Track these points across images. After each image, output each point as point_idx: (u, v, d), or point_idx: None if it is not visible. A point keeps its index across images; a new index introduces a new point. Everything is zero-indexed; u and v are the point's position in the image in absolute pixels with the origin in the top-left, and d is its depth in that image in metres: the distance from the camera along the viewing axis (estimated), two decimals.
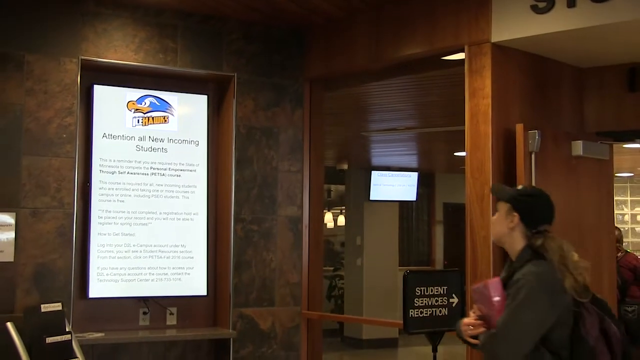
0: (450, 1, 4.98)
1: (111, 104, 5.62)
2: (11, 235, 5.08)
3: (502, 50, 4.78)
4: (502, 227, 3.18)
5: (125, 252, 5.59)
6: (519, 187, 3.33)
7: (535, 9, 4.51)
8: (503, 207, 3.19)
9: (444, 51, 5.13)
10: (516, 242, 3.14)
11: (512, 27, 4.67)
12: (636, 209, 13.76)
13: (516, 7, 4.62)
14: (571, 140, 4.94)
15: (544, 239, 3.07)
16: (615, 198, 5.28)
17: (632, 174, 13.30)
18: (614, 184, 5.23)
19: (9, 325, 4.73)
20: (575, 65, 5.32)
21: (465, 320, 3.17)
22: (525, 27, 4.61)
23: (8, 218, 5.08)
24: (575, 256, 3.07)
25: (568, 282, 2.98)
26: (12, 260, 5.06)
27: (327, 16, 5.73)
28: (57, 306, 4.98)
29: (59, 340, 4.81)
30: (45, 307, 4.93)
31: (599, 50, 4.96)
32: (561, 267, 3.01)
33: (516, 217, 3.11)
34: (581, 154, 4.91)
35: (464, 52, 4.89)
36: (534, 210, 3.15)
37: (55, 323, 4.90)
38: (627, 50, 4.96)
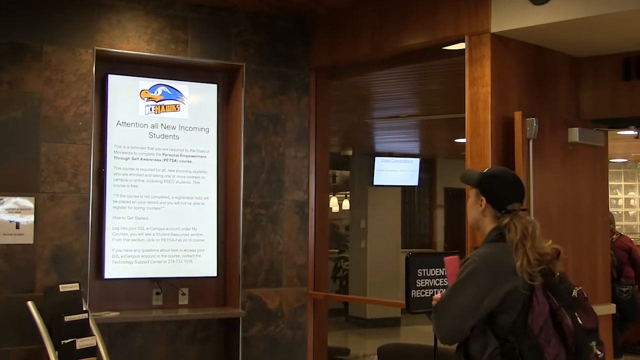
0: None
1: (125, 92, 5.62)
2: (31, 218, 5.11)
3: (501, 41, 4.77)
4: (474, 213, 3.08)
5: (139, 234, 5.60)
6: (485, 170, 3.21)
7: (533, 0, 4.50)
8: (472, 192, 3.09)
9: (444, 41, 5.11)
10: (487, 225, 3.03)
11: (510, 18, 4.66)
12: (630, 193, 13.77)
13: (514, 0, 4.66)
14: (568, 127, 4.94)
15: (511, 218, 2.94)
16: (609, 183, 5.27)
17: (626, 160, 13.29)
18: (609, 170, 5.22)
19: (30, 304, 4.77)
20: (572, 55, 5.31)
21: (436, 295, 3.07)
22: (523, 18, 4.60)
23: (28, 202, 5.10)
24: (538, 238, 2.91)
25: (520, 263, 2.83)
26: (31, 242, 5.09)
27: (331, 7, 5.73)
28: (74, 286, 5.01)
29: (77, 318, 4.83)
30: (63, 287, 4.96)
31: (594, 40, 4.95)
32: (518, 247, 2.87)
33: (483, 200, 3.01)
34: (577, 140, 4.90)
35: (464, 42, 4.88)
36: (499, 190, 3.02)
37: (72, 302, 4.93)
38: (621, 40, 4.95)
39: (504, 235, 2.92)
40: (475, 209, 3.05)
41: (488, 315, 2.84)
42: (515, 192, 3.02)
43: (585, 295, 2.94)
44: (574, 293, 2.90)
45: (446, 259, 3.10)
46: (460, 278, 2.88)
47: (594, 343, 2.82)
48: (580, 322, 2.82)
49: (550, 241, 2.97)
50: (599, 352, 2.83)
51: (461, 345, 2.94)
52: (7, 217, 5.06)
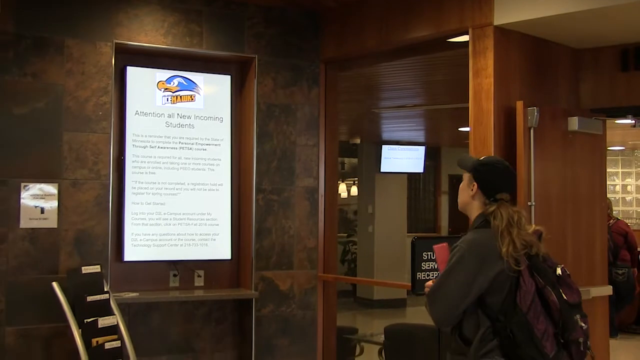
0: None
1: (143, 83, 5.62)
2: (54, 204, 5.13)
3: (503, 33, 4.75)
4: (464, 196, 3.11)
5: (157, 219, 5.61)
6: (481, 157, 3.23)
7: None
8: (466, 177, 3.12)
9: (449, 34, 5.08)
10: (474, 210, 3.07)
11: (513, 11, 4.64)
12: (626, 180, 13.74)
13: None
14: (567, 116, 4.91)
15: (498, 206, 2.99)
16: (607, 170, 5.26)
17: (623, 148, 13.25)
18: (607, 157, 5.22)
19: (55, 284, 4.81)
20: (572, 47, 5.28)
21: (428, 283, 3.12)
22: (525, 11, 4.58)
23: (52, 188, 5.12)
24: (523, 226, 2.96)
25: (506, 249, 2.88)
26: (55, 226, 5.11)
27: (340, 1, 5.71)
28: (96, 268, 5.02)
29: (98, 299, 4.86)
30: (85, 269, 4.98)
31: (593, 32, 4.92)
32: (503, 235, 2.91)
33: (475, 185, 3.04)
34: (577, 129, 4.87)
35: (468, 34, 4.85)
36: (491, 179, 3.06)
37: (94, 283, 4.95)
38: (619, 32, 4.93)
39: (489, 222, 2.97)
40: (466, 192, 3.09)
41: (478, 297, 2.89)
42: (506, 182, 3.07)
43: (568, 273, 2.99)
44: (558, 271, 2.96)
45: (435, 246, 3.16)
46: (450, 264, 2.92)
47: (578, 316, 2.90)
48: (565, 297, 2.88)
49: (534, 225, 3.05)
50: (583, 325, 2.91)
51: (455, 327, 2.99)
52: (33, 203, 5.07)
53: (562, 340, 2.87)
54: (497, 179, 3.06)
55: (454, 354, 3.01)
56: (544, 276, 2.91)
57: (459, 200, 3.17)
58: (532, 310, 2.83)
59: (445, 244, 3.11)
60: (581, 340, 2.91)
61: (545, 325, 2.83)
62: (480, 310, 2.91)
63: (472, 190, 3.06)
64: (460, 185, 3.15)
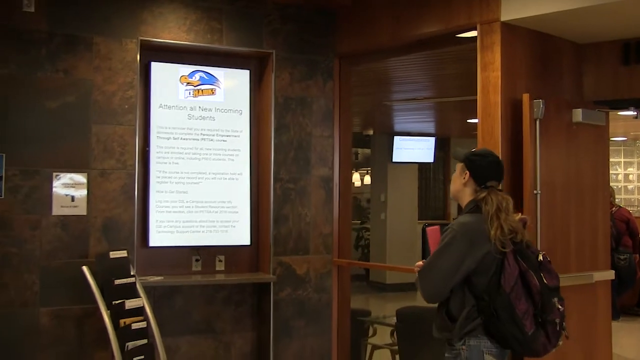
0: None
1: (166, 78, 5.62)
2: (84, 192, 5.15)
3: (510, 29, 4.74)
4: (457, 184, 3.24)
5: (180, 207, 5.61)
6: (473, 149, 3.38)
7: None
8: (459, 166, 3.25)
9: (458, 29, 5.06)
10: (466, 196, 3.19)
11: (519, 7, 4.62)
12: (628, 169, 13.70)
13: None
14: (572, 108, 4.89)
15: (488, 192, 3.10)
16: (610, 159, 5.25)
17: (625, 138, 13.20)
18: (609, 147, 5.20)
19: (84, 268, 4.85)
20: (575, 41, 5.26)
21: (418, 263, 3.22)
22: (531, 8, 4.56)
23: (81, 178, 5.15)
24: (510, 212, 3.08)
25: (494, 232, 2.98)
26: (85, 214, 5.15)
27: None
28: (123, 253, 5.05)
29: (125, 282, 4.89)
30: (113, 254, 5.00)
31: (596, 27, 4.91)
32: (492, 219, 3.01)
33: (467, 174, 3.17)
34: (581, 120, 4.85)
35: (476, 30, 4.83)
36: (482, 168, 3.18)
37: (121, 267, 4.97)
38: (620, 27, 4.91)
39: (479, 207, 3.08)
40: (459, 180, 3.22)
41: (466, 277, 2.99)
42: (495, 171, 3.20)
43: (549, 259, 3.11)
44: (540, 257, 3.08)
45: (428, 229, 3.28)
46: (442, 244, 3.03)
47: (556, 299, 3.02)
48: (545, 282, 3.00)
49: (520, 214, 3.16)
50: (560, 307, 3.03)
51: (442, 305, 3.09)
52: (64, 191, 5.11)
53: (540, 320, 2.98)
54: (487, 168, 3.19)
55: (440, 329, 3.10)
56: (527, 261, 3.02)
57: (451, 188, 3.31)
58: (515, 292, 2.93)
59: (437, 227, 3.25)
60: (557, 320, 3.03)
61: (526, 305, 2.94)
62: (467, 289, 3.01)
63: (464, 178, 3.19)
64: (453, 175, 3.28)
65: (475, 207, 3.12)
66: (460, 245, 3.01)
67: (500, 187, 3.25)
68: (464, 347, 3.00)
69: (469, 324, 2.98)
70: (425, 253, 4.64)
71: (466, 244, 3.01)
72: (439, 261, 3.03)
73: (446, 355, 3.10)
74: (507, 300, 2.92)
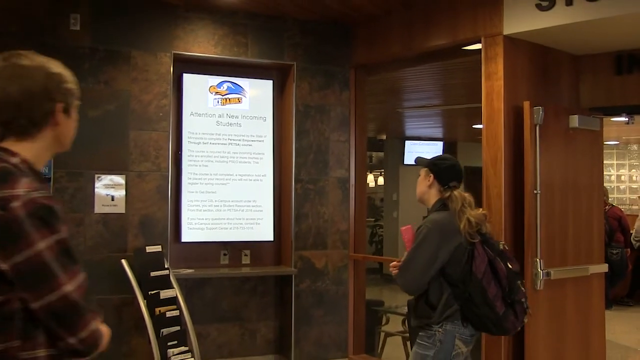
0: (469, 1, 4.92)
1: (196, 88, 5.67)
2: (123, 192, 5.22)
3: (512, 41, 4.74)
4: (422, 187, 3.31)
5: (209, 206, 5.65)
6: (434, 155, 3.45)
7: (539, 7, 4.48)
8: (423, 171, 3.32)
9: (464, 42, 5.07)
10: (432, 197, 3.26)
11: (520, 22, 4.63)
12: (620, 170, 13.64)
13: (524, 6, 4.58)
14: (569, 114, 4.89)
15: (452, 191, 3.19)
16: (604, 162, 5.22)
17: (617, 142, 13.13)
18: (603, 150, 5.18)
19: (124, 261, 4.93)
20: (572, 53, 5.24)
21: (393, 263, 3.31)
22: (531, 22, 4.57)
23: (120, 179, 5.21)
24: (473, 206, 3.17)
25: (463, 226, 3.07)
26: (124, 212, 5.21)
27: (368, 15, 5.70)
28: (157, 248, 5.13)
29: (160, 274, 4.95)
30: (149, 249, 5.09)
31: (591, 40, 4.89)
32: (460, 214, 3.10)
33: (432, 177, 3.25)
34: (577, 126, 4.85)
35: (480, 43, 4.84)
36: (444, 170, 3.26)
37: (156, 261, 5.04)
38: (613, 40, 4.89)
39: (446, 205, 3.17)
40: (424, 183, 3.30)
41: (441, 268, 3.07)
42: (455, 173, 3.29)
43: (508, 248, 3.22)
44: (501, 247, 3.17)
45: (402, 229, 3.33)
46: (418, 241, 3.11)
47: (519, 282, 3.10)
48: (510, 267, 3.09)
49: (481, 209, 3.22)
50: (523, 289, 3.11)
51: (422, 295, 3.14)
52: (104, 192, 5.17)
53: (509, 301, 3.06)
54: (449, 171, 3.28)
55: (420, 317, 3.14)
56: (493, 249, 3.12)
57: (417, 191, 3.36)
58: (486, 277, 3.03)
59: (409, 226, 3.31)
60: (523, 300, 3.11)
61: (495, 290, 3.03)
62: (442, 279, 3.08)
63: (429, 181, 3.27)
64: (418, 179, 3.35)
65: (442, 205, 3.21)
66: (435, 239, 3.09)
67: (460, 186, 3.33)
68: (440, 329, 3.07)
69: (447, 310, 3.07)
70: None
71: (439, 239, 3.09)
72: (417, 256, 3.10)
73: (420, 334, 3.16)
74: (479, 286, 3.01)
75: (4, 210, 1.52)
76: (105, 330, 1.70)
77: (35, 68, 1.71)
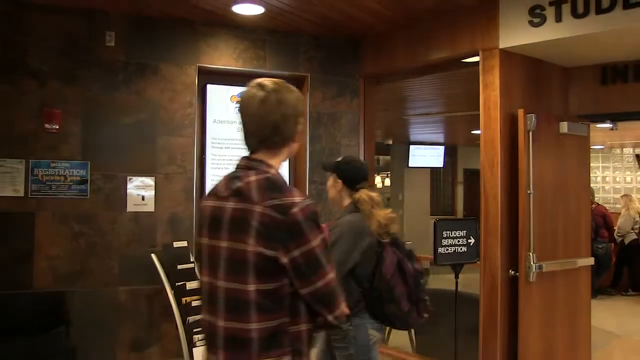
0: (468, 18, 4.93)
1: (219, 98, 5.67)
2: (152, 193, 5.25)
3: (507, 54, 4.75)
4: (333, 192, 3.21)
5: None
6: (339, 159, 3.30)
7: (531, 23, 4.49)
8: (331, 176, 3.21)
9: (463, 55, 5.07)
10: (344, 200, 3.15)
11: (514, 37, 4.63)
12: (605, 172, 13.70)
13: (517, 22, 4.59)
14: (559, 121, 4.89)
15: (360, 192, 3.08)
16: (590, 164, 5.21)
17: (603, 147, 13.17)
18: (590, 154, 5.18)
19: (153, 256, 4.94)
20: (562, 65, 5.24)
21: None
22: (524, 37, 4.57)
23: (150, 181, 5.25)
24: (381, 205, 3.08)
25: (374, 226, 3.00)
26: (153, 210, 5.25)
27: (375, 30, 5.72)
28: (184, 243, 5.15)
29: (186, 267, 4.95)
30: (176, 244, 5.11)
31: (579, 53, 4.89)
32: (371, 215, 3.02)
33: (340, 182, 3.14)
34: (566, 131, 4.86)
35: (478, 56, 4.85)
36: (351, 173, 3.14)
37: (183, 255, 5.05)
38: (599, 53, 4.89)
39: (357, 207, 3.07)
40: (335, 188, 3.19)
41: (351, 268, 2.99)
42: (362, 174, 3.17)
43: (411, 249, 3.14)
44: (407, 247, 3.12)
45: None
46: (333, 240, 3.00)
47: (423, 281, 3.06)
48: (416, 267, 3.04)
49: (390, 209, 3.15)
50: (425, 287, 3.07)
51: None
52: (136, 192, 5.21)
53: (414, 299, 3.02)
54: (357, 172, 3.17)
55: None
56: (401, 250, 3.06)
57: (329, 195, 3.27)
58: (394, 277, 2.97)
59: (325, 225, 3.25)
60: (426, 298, 3.07)
61: (402, 288, 2.98)
62: (351, 278, 3.01)
63: (338, 186, 3.16)
64: (328, 184, 3.24)
65: (354, 207, 3.11)
66: (349, 238, 3.00)
67: (367, 186, 3.22)
68: (350, 326, 3.01)
69: (356, 307, 3.00)
70: (436, 243, 4.68)
71: (352, 239, 3.00)
72: (332, 254, 2.97)
73: (334, 337, 3.08)
74: (387, 285, 2.96)
75: (285, 215, 1.78)
76: (345, 308, 1.93)
77: (291, 97, 1.97)
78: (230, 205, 1.88)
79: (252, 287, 1.79)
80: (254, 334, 1.79)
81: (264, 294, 1.79)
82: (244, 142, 1.99)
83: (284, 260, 1.78)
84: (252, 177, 1.89)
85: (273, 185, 1.86)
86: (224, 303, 1.85)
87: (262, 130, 1.92)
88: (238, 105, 2.00)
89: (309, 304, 1.85)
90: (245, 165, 1.95)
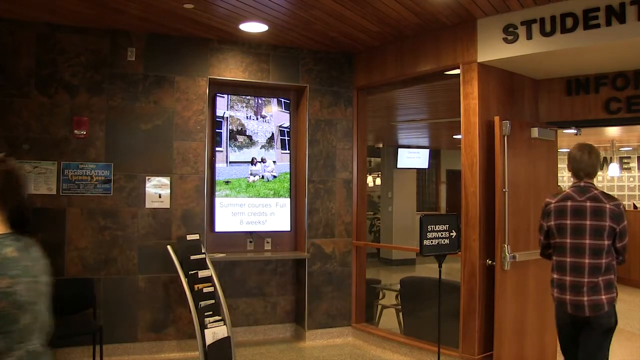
0: (450, 35, 4.93)
1: (227, 106, 5.63)
2: (168, 191, 5.25)
3: (484, 68, 4.77)
4: None
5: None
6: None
7: (505, 40, 4.51)
8: None
9: (445, 68, 5.07)
10: None
11: (491, 52, 4.65)
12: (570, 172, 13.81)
13: (493, 39, 4.59)
14: (530, 127, 4.89)
15: None
16: (558, 166, 5.21)
17: (568, 150, 13.22)
18: (558, 156, 5.19)
19: (169, 247, 4.98)
20: (532, 77, 5.28)
21: None
22: (499, 52, 4.59)
23: (166, 180, 5.25)
24: None
25: None
26: (169, 207, 5.25)
27: (367, 46, 5.72)
28: (196, 236, 5.14)
29: (198, 257, 4.96)
30: (189, 237, 5.10)
31: (547, 67, 4.92)
32: None
33: None
34: (537, 136, 4.87)
35: (459, 69, 4.87)
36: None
37: (195, 247, 5.05)
38: (565, 68, 4.92)
39: None
40: None
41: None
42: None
43: None
44: None
45: None
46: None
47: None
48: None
49: None
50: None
51: None
52: (153, 190, 5.21)
53: None
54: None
55: None
56: None
57: None
58: None
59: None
60: None
61: None
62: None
63: None
64: None
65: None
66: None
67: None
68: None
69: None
70: (422, 236, 4.64)
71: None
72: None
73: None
74: None
75: (618, 208, 3.25)
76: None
77: (595, 149, 3.51)
78: (588, 204, 3.30)
79: (606, 242, 3.23)
80: (603, 265, 3.22)
81: (608, 246, 3.23)
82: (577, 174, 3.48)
83: (617, 230, 3.22)
84: (596, 191, 3.32)
85: (607, 195, 3.29)
86: (588, 251, 3.24)
87: (592, 170, 3.48)
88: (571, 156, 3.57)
89: (617, 251, 3.26)
90: (587, 185, 3.40)
